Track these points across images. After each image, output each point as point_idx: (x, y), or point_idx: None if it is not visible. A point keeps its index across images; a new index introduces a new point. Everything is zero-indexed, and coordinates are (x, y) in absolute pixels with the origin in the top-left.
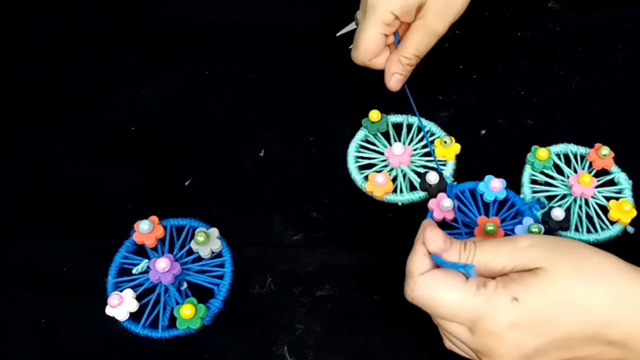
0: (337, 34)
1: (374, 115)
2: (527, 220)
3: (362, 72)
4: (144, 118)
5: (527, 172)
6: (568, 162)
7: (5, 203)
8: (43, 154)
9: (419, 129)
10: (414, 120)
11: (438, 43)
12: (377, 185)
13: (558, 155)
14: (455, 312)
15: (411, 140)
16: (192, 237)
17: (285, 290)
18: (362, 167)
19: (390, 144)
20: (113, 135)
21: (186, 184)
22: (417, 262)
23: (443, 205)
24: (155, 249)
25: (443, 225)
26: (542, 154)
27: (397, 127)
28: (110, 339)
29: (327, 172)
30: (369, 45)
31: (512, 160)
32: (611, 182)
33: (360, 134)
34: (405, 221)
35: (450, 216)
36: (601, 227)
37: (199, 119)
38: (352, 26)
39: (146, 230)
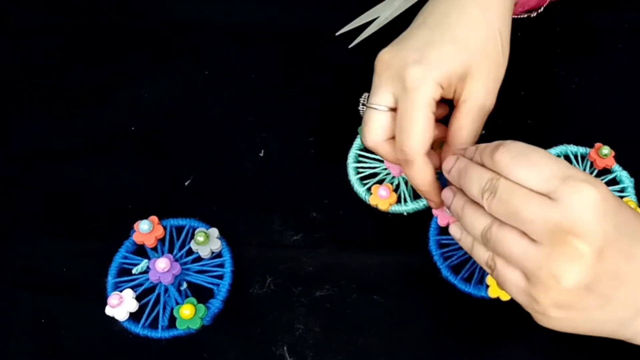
0: (337, 34)
1: None
2: None
3: (362, 71)
4: (143, 118)
5: None
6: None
7: (5, 203)
8: (42, 153)
9: None
10: None
11: None
12: (380, 199)
13: (558, 157)
14: (553, 158)
15: None
16: (192, 237)
17: (284, 291)
18: (363, 177)
19: None
20: (113, 135)
21: (186, 183)
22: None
23: (447, 211)
24: (155, 249)
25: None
26: None
27: None
28: (110, 339)
29: (326, 172)
30: (425, 133)
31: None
32: (613, 181)
33: (358, 142)
34: (404, 221)
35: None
36: None
37: (199, 119)
38: (351, 25)
39: (146, 230)
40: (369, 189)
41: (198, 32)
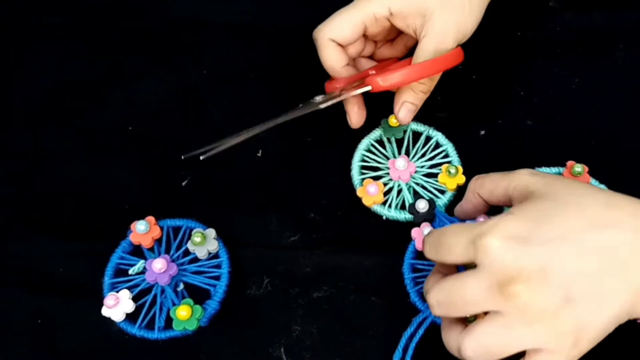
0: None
1: (394, 119)
2: None
3: None
4: (141, 118)
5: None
6: None
7: (2, 203)
8: (39, 153)
9: (437, 145)
10: (435, 134)
11: None
12: (367, 194)
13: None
14: (456, 231)
15: (423, 155)
16: (189, 237)
17: (282, 292)
18: (366, 168)
19: (400, 153)
20: (110, 135)
21: (183, 184)
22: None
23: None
24: (151, 249)
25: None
26: None
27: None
28: (106, 340)
29: (325, 173)
30: (342, 27)
31: (512, 161)
32: None
33: (376, 133)
34: (403, 223)
35: None
36: None
37: (197, 119)
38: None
39: (143, 230)
40: (362, 180)
41: (196, 32)
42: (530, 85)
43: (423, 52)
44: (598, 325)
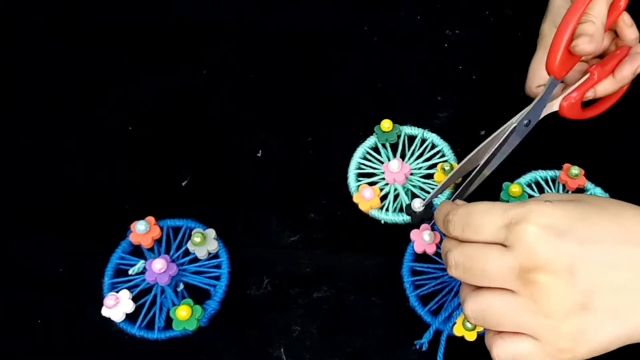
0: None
1: (386, 125)
2: None
3: (364, 74)
4: (141, 118)
5: None
6: (541, 189)
7: (2, 203)
8: (40, 153)
9: (432, 146)
10: (429, 136)
11: (437, 43)
12: (363, 199)
13: (530, 185)
14: (488, 211)
15: (419, 156)
16: (189, 237)
17: (282, 292)
18: (362, 175)
19: (395, 157)
20: (110, 135)
21: (183, 184)
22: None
23: (424, 239)
24: (151, 249)
25: (424, 258)
26: (514, 189)
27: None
28: (106, 340)
29: (325, 173)
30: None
31: (512, 161)
32: None
33: (370, 140)
34: (402, 224)
35: (431, 250)
36: None
37: (197, 119)
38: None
39: (143, 230)
40: (359, 187)
41: (197, 32)
42: None
43: None
44: (603, 339)
